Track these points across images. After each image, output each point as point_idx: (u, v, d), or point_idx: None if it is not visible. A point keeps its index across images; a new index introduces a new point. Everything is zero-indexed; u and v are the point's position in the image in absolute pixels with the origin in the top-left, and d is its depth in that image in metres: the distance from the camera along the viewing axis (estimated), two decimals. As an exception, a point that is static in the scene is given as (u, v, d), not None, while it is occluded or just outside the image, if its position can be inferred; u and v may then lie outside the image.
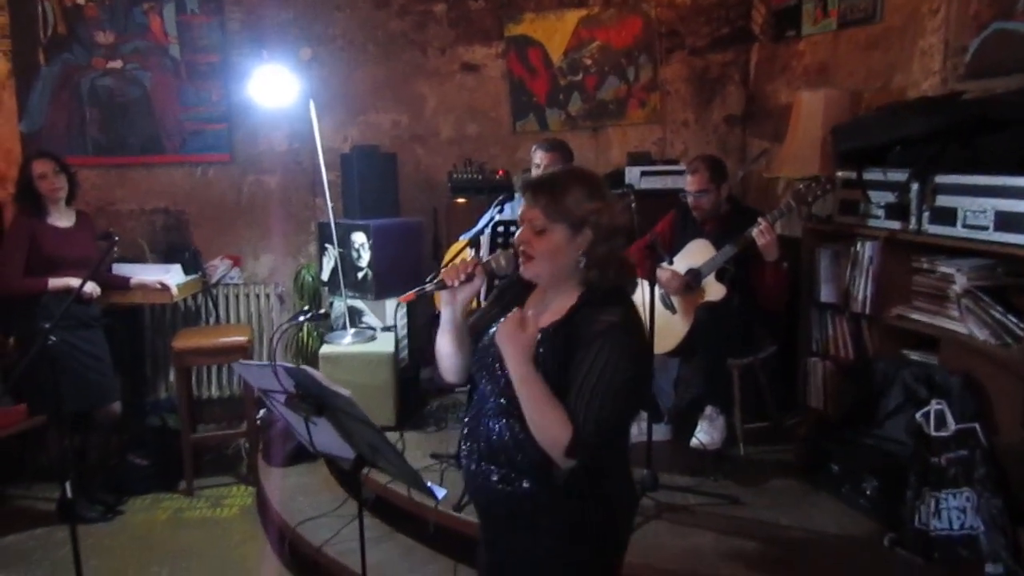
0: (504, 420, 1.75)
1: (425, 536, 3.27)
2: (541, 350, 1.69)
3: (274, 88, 4.11)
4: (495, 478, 1.75)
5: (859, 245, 3.36)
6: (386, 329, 4.31)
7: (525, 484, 1.71)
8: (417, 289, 1.83)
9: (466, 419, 1.90)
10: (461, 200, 4.58)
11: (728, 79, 5.07)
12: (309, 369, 1.75)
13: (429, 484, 1.80)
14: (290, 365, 1.77)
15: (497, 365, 1.73)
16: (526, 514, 1.73)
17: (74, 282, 3.56)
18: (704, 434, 3.40)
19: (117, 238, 2.95)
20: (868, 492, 2.96)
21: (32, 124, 4.79)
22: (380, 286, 4.24)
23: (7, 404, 3.84)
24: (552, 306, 1.78)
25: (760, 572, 2.64)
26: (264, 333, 4.90)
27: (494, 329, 1.78)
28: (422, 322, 4.53)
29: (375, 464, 1.87)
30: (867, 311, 3.34)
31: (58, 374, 2.92)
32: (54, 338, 2.68)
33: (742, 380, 3.54)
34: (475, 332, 1.90)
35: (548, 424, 1.63)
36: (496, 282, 1.99)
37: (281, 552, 3.60)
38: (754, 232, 3.19)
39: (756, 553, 2.74)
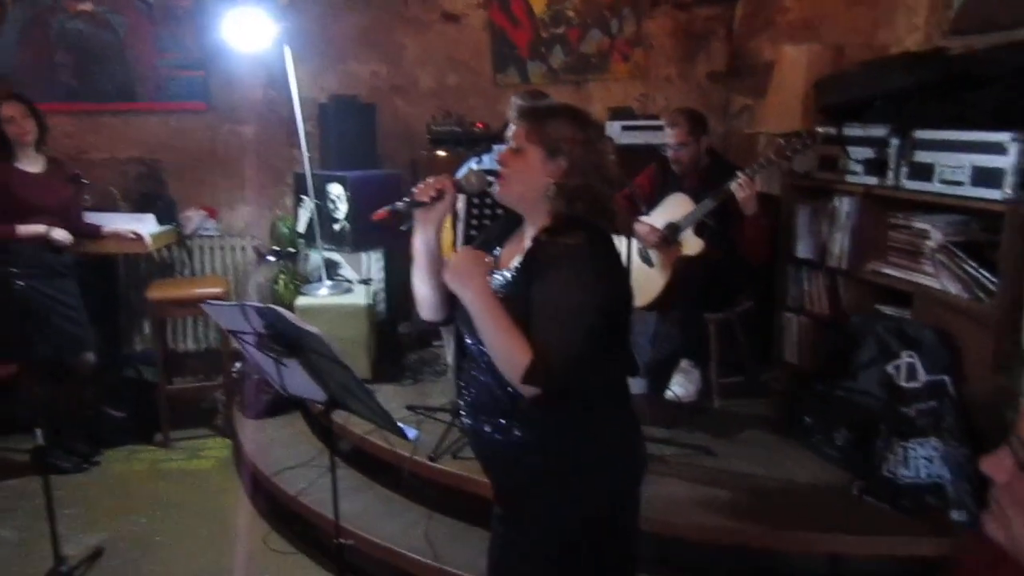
0: (490, 373, 1.73)
1: (401, 486, 3.30)
2: (516, 284, 1.68)
3: (249, 32, 4.00)
4: (488, 429, 1.74)
5: (837, 201, 3.37)
6: (363, 282, 4.28)
7: (517, 433, 1.70)
8: (389, 207, 1.77)
9: (461, 378, 1.89)
10: (441, 153, 4.52)
11: (712, 34, 5.02)
12: (279, 309, 1.73)
13: (401, 425, 1.79)
14: (260, 305, 1.74)
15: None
16: (522, 462, 1.72)
17: (43, 228, 3.49)
18: (679, 387, 3.44)
19: (86, 181, 2.88)
20: (839, 443, 3.00)
21: (1, 68, 4.65)
22: (357, 239, 4.20)
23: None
24: (521, 244, 1.77)
25: (732, 520, 2.69)
26: (240, 286, 4.85)
27: None
28: (404, 278, 4.50)
29: (346, 406, 1.86)
30: (843, 266, 3.36)
31: (28, 321, 2.88)
32: (21, 283, 2.64)
33: (718, 334, 3.56)
34: None
35: (507, 351, 1.60)
36: (467, 201, 1.95)
37: (257, 502, 3.62)
38: (733, 186, 3.18)
39: (729, 502, 2.79)
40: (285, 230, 4.66)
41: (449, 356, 3.61)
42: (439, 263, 1.82)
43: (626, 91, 5.05)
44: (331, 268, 4.30)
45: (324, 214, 4.20)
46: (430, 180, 1.81)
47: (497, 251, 1.86)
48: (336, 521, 2.15)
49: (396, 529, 3.04)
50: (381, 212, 1.79)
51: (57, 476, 2.98)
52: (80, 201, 3.25)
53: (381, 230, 4.17)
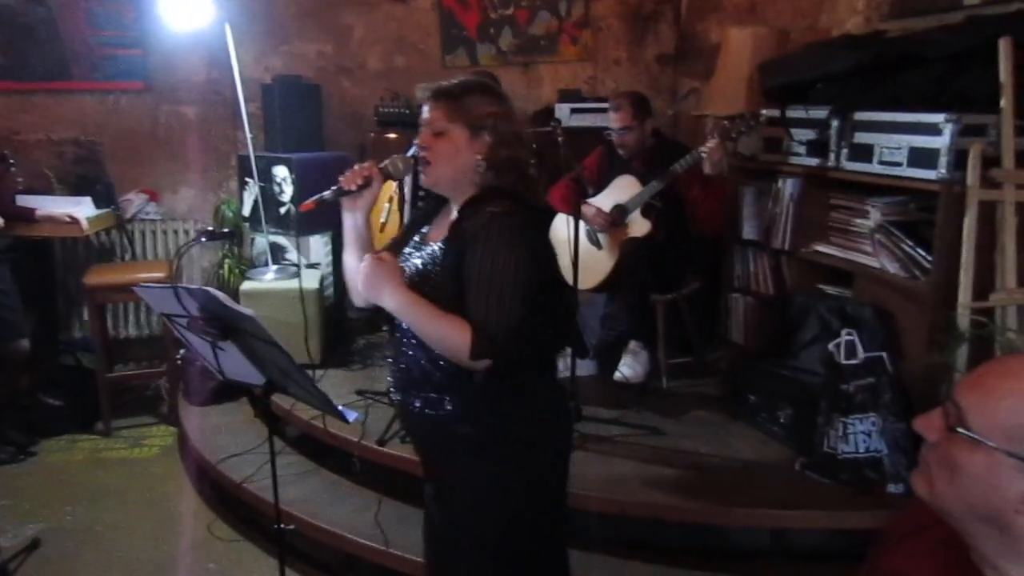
0: (419, 347, 1.74)
1: (350, 471, 3.27)
2: (442, 257, 1.69)
3: (188, 10, 3.88)
4: (418, 403, 1.75)
5: (780, 182, 3.42)
6: (311, 266, 4.21)
7: (448, 406, 1.71)
8: (316, 197, 1.77)
9: (390, 357, 1.88)
10: (390, 136, 4.46)
11: (661, 17, 5.04)
12: (212, 290, 1.68)
13: (340, 407, 1.77)
14: (193, 286, 1.70)
15: (408, 284, 1.71)
16: (455, 434, 1.73)
17: (-27, 213, 3.36)
18: (627, 368, 3.46)
19: (12, 161, 2.77)
20: (782, 420, 3.06)
21: (-77, 44, 4.44)
22: (303, 222, 4.13)
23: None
24: (449, 218, 1.77)
25: (677, 497, 2.72)
26: (183, 271, 4.74)
27: (406, 252, 1.79)
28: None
29: (286, 389, 1.83)
30: (787, 247, 3.42)
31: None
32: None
33: (666, 315, 3.59)
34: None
35: (444, 335, 1.62)
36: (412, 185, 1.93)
37: (202, 490, 3.55)
38: (705, 150, 3.16)
39: (674, 479, 2.82)
40: (230, 213, 4.56)
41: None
42: (370, 247, 1.82)
43: (575, 73, 5.04)
44: (277, 252, 4.22)
45: (269, 197, 4.12)
46: (356, 168, 1.81)
47: (425, 229, 1.86)
48: (276, 504, 2.12)
49: (344, 514, 3.01)
50: (309, 203, 1.80)
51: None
52: (10, 183, 3.13)
53: (328, 214, 4.13)
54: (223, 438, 3.66)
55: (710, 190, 3.30)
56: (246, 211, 4.31)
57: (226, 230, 3.49)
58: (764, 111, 3.38)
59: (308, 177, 4.06)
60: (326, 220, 4.16)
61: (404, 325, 1.77)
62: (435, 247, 1.73)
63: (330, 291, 4.29)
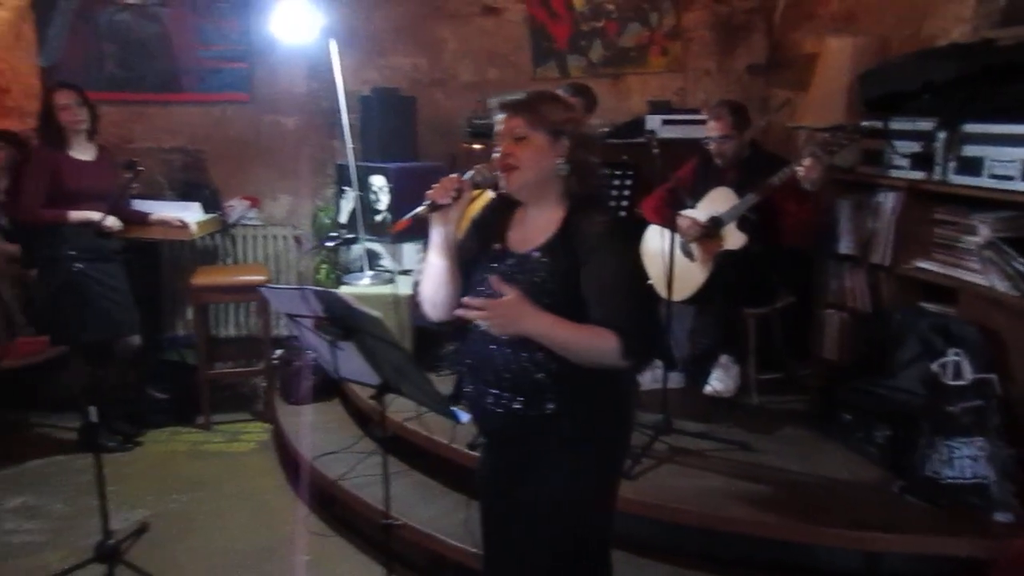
0: (518, 347, 1.76)
1: (438, 472, 3.34)
2: (546, 263, 1.74)
3: (296, 25, 4.06)
4: (518, 405, 1.78)
5: (881, 196, 3.33)
6: (403, 272, 4.32)
7: (550, 406, 1.76)
8: (410, 215, 1.82)
9: (468, 357, 1.91)
10: (477, 145, 4.54)
11: (752, 27, 4.98)
12: (339, 292, 1.76)
13: (453, 409, 1.82)
14: (319, 288, 1.79)
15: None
16: (550, 433, 1.78)
17: (94, 215, 3.59)
18: (718, 381, 3.43)
19: (141, 168, 2.95)
20: (879, 440, 2.97)
21: (50, 58, 4.76)
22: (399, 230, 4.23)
23: (29, 335, 3.91)
24: (536, 223, 1.82)
25: (770, 514, 2.68)
26: (281, 274, 4.93)
27: (487, 261, 1.84)
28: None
29: (399, 390, 1.89)
30: (886, 262, 3.33)
31: (82, 302, 2.96)
32: (80, 265, 2.71)
33: (758, 330, 3.54)
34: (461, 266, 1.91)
35: (591, 345, 1.68)
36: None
37: (297, 485, 3.68)
38: (801, 169, 3.10)
39: (766, 496, 2.78)
40: (327, 220, 4.72)
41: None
42: (457, 260, 1.87)
43: (664, 84, 5.03)
44: (372, 258, 4.35)
45: (366, 205, 4.25)
46: (445, 180, 1.85)
47: (497, 238, 1.89)
48: (387, 500, 2.20)
49: (433, 514, 3.08)
50: (403, 221, 1.85)
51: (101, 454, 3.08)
52: (130, 187, 3.33)
53: (423, 222, 4.24)
54: (316, 436, 3.78)
55: (806, 203, 3.24)
56: (343, 218, 4.46)
57: (348, 235, 3.61)
58: (865, 122, 3.30)
59: (404, 185, 4.18)
60: (420, 229, 4.27)
61: (480, 327, 1.79)
62: (533, 255, 1.78)
63: (420, 297, 4.38)
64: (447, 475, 3.30)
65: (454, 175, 1.85)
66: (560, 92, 3.51)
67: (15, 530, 3.31)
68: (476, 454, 3.08)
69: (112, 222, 3.65)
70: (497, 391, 1.82)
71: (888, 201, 3.29)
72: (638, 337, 1.68)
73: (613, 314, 1.67)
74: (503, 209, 1.90)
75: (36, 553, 3.14)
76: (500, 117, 1.80)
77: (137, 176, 2.85)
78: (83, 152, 3.77)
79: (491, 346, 1.81)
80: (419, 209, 1.83)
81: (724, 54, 5.00)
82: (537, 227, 1.81)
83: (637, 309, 1.72)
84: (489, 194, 3.22)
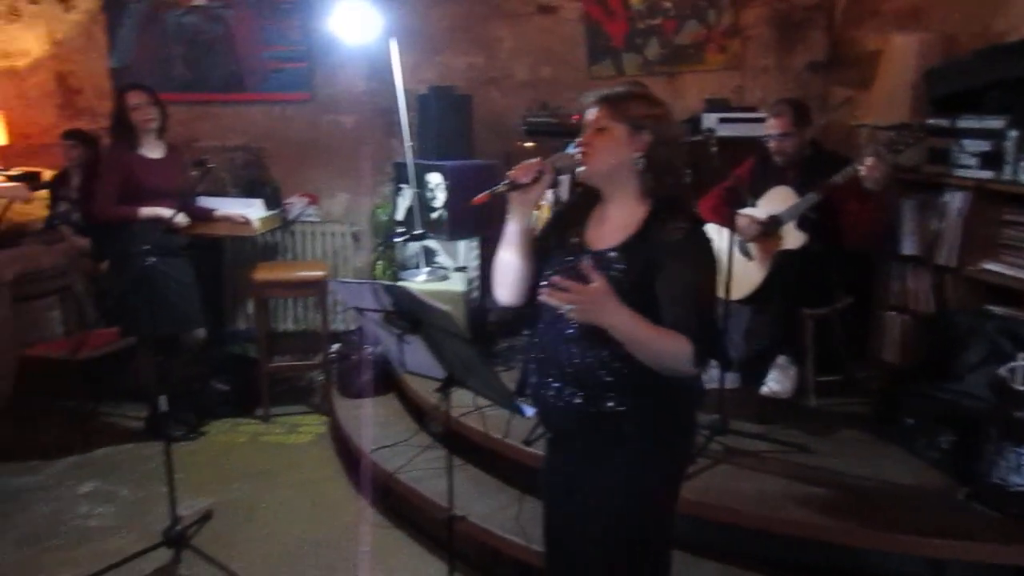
0: (584, 344, 1.78)
1: (492, 467, 3.37)
2: (621, 264, 1.74)
3: (356, 24, 4.14)
4: (579, 401, 1.80)
5: (948, 195, 3.26)
6: (458, 269, 4.37)
7: (610, 404, 1.77)
8: (489, 190, 1.83)
9: (536, 349, 1.92)
10: (528, 144, 4.57)
11: (812, 23, 4.89)
12: (407, 287, 1.80)
13: (519, 403, 1.84)
14: (388, 283, 1.83)
15: None
16: (610, 431, 1.79)
17: (164, 211, 3.71)
18: (775, 382, 3.40)
19: (212, 166, 3.04)
20: (943, 445, 2.91)
21: (120, 59, 4.94)
22: (454, 227, 4.29)
23: (100, 327, 4.06)
24: (615, 222, 1.82)
25: (830, 517, 2.64)
26: (338, 270, 5.02)
27: (562, 254, 1.85)
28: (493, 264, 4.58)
29: (465, 383, 1.93)
30: (951, 264, 3.26)
31: (152, 296, 3.06)
32: (152, 260, 2.82)
33: (816, 331, 3.50)
34: (537, 255, 1.93)
35: (665, 348, 1.67)
36: (570, 187, 2.01)
37: (353, 477, 3.75)
38: (863, 169, 3.05)
39: (826, 499, 2.74)
40: (384, 217, 4.80)
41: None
42: (530, 244, 1.89)
43: (721, 82, 4.98)
44: (428, 255, 4.41)
45: (422, 202, 4.31)
46: (527, 162, 1.87)
47: (575, 232, 1.90)
48: (450, 495, 2.25)
49: (489, 509, 3.11)
50: (482, 196, 1.86)
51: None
52: (197, 185, 3.45)
53: (478, 218, 4.27)
54: (374, 429, 3.85)
55: (868, 203, 3.19)
56: (400, 215, 4.53)
57: (419, 231, 3.68)
58: (931, 121, 3.23)
59: (460, 183, 4.22)
60: (475, 225, 4.32)
61: (560, 322, 1.80)
62: (609, 254, 1.78)
63: (476, 294, 4.43)
64: (502, 470, 3.33)
65: (538, 158, 1.89)
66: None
67: (88, 514, 3.44)
68: (531, 450, 3.13)
69: (181, 219, 3.77)
70: (560, 385, 1.83)
71: (955, 201, 3.23)
72: (707, 345, 1.68)
73: (687, 320, 1.67)
74: (585, 205, 1.91)
75: (108, 537, 3.27)
76: (590, 110, 1.83)
77: (207, 174, 2.94)
78: (153, 150, 3.90)
79: (559, 339, 1.83)
80: (499, 187, 1.85)
81: (783, 51, 4.93)
82: (616, 226, 1.82)
83: (707, 318, 1.73)
84: (548, 207, 3.27)
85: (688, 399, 1.89)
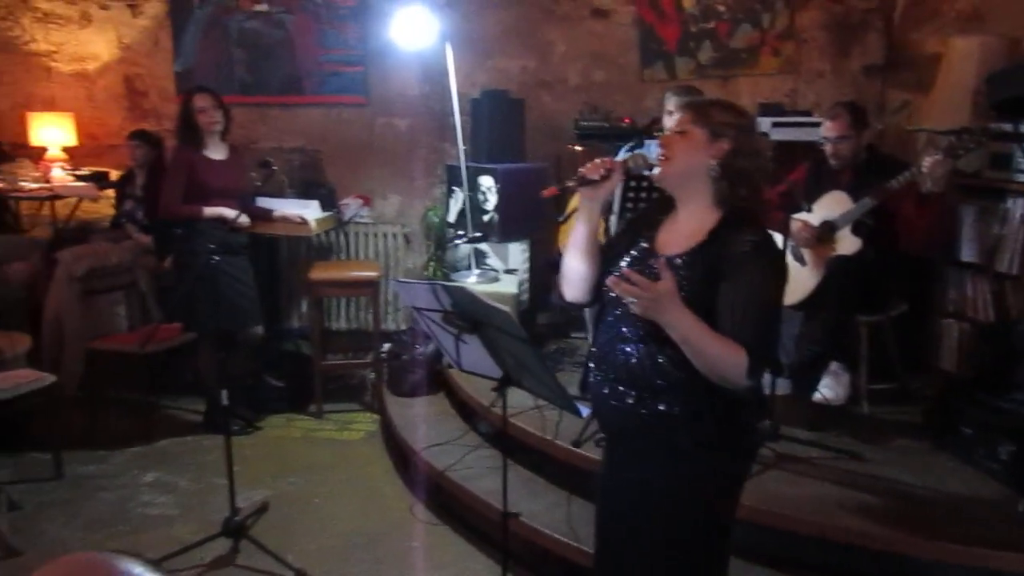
0: (640, 345, 1.80)
1: (541, 468, 3.40)
2: (686, 272, 1.74)
3: (413, 29, 4.22)
4: (631, 401, 1.81)
5: (1010, 202, 3.20)
6: (508, 271, 4.42)
7: (661, 407, 1.77)
8: (559, 184, 1.89)
9: (595, 347, 1.95)
10: (578, 148, 4.60)
11: (869, 26, 4.83)
12: (467, 287, 1.85)
13: (576, 403, 1.88)
14: (449, 283, 1.88)
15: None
16: (661, 434, 1.80)
17: (227, 211, 3.83)
18: (828, 389, 3.37)
19: (275, 167, 3.14)
20: (1002, 456, 2.86)
21: (184, 63, 5.11)
22: (505, 229, 4.34)
23: (162, 322, 4.21)
24: (685, 228, 1.83)
25: (884, 525, 2.62)
26: (390, 271, 5.11)
27: (631, 256, 1.87)
28: (542, 270, 4.63)
29: (520, 383, 1.97)
30: (1013, 271, 3.20)
31: (215, 292, 3.17)
32: (216, 258, 2.92)
33: (870, 338, 3.46)
34: (606, 257, 1.95)
35: (721, 356, 1.67)
36: (622, 192, 2.05)
37: (403, 474, 3.82)
38: (925, 165, 3.02)
39: (879, 507, 2.72)
40: (435, 219, 4.87)
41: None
42: (596, 243, 1.92)
43: (775, 86, 4.94)
44: (479, 257, 4.46)
45: (474, 205, 4.36)
46: (598, 160, 1.89)
47: (647, 237, 1.91)
48: (504, 494, 2.31)
49: (538, 509, 3.14)
50: (551, 189, 1.93)
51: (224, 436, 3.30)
52: (260, 185, 3.55)
53: (528, 221, 4.31)
54: (423, 428, 3.92)
55: (927, 208, 3.14)
56: (451, 217, 4.59)
57: (478, 234, 3.75)
58: (993, 125, 3.17)
59: (511, 186, 4.27)
60: (525, 228, 4.37)
61: (620, 320, 1.84)
62: (675, 260, 1.78)
63: (525, 296, 4.47)
64: (551, 471, 3.36)
65: (608, 157, 1.93)
66: (672, 95, 3.55)
67: (150, 503, 3.57)
68: (581, 451, 3.16)
69: (244, 219, 3.89)
70: (615, 384, 1.85)
71: (1017, 207, 3.17)
72: (763, 360, 1.68)
73: (745, 332, 1.67)
74: (661, 209, 1.93)
75: (169, 525, 3.38)
76: (674, 115, 1.87)
77: (271, 176, 3.04)
78: (216, 152, 4.03)
79: (615, 339, 1.85)
80: (569, 182, 1.90)
81: (839, 55, 4.88)
82: (685, 232, 1.82)
83: (767, 332, 1.72)
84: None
85: (745, 406, 1.85)
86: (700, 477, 1.82)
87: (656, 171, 1.85)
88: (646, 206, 2.01)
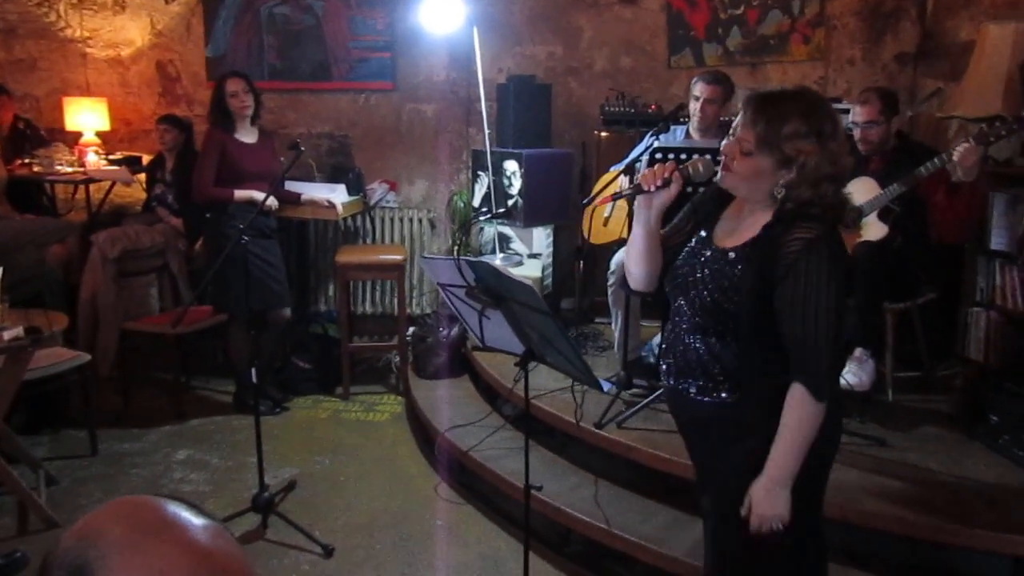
0: (700, 336, 1.81)
1: (563, 450, 3.44)
2: (739, 267, 1.72)
3: (441, 14, 4.24)
4: (693, 391, 1.83)
5: (1042, 189, 3.16)
6: (532, 256, 4.44)
7: (723, 395, 1.78)
8: (614, 194, 1.89)
9: (663, 339, 1.98)
10: (607, 134, 4.60)
11: (903, 13, 4.77)
12: (490, 262, 1.88)
13: (599, 379, 1.90)
14: (472, 259, 1.91)
15: (691, 280, 1.79)
16: (725, 423, 1.80)
17: (257, 194, 3.89)
18: (852, 375, 3.34)
19: (303, 149, 3.19)
20: (1029, 444, 2.85)
21: (216, 49, 5.18)
22: (529, 214, 4.36)
23: (193, 304, 4.28)
24: (743, 222, 1.80)
25: (909, 511, 2.62)
26: (416, 255, 5.16)
27: (691, 246, 1.86)
28: (565, 255, 4.65)
29: (544, 358, 1.99)
30: (1044, 260, 3.16)
31: (246, 275, 3.23)
32: (246, 239, 2.97)
33: (896, 325, 3.44)
34: (667, 246, 1.93)
35: (803, 429, 1.68)
36: (690, 190, 1.98)
37: (429, 455, 3.87)
38: (957, 152, 2.97)
39: (904, 493, 2.72)
40: (461, 204, 4.90)
41: (616, 332, 3.69)
42: (657, 242, 1.89)
43: (804, 74, 4.90)
44: (503, 241, 4.49)
45: (499, 189, 4.39)
46: (657, 167, 1.84)
47: (707, 228, 1.89)
48: (526, 468, 2.34)
49: (560, 489, 3.18)
50: (605, 198, 2.02)
51: (253, 416, 3.37)
52: (288, 167, 3.60)
53: (553, 206, 4.31)
54: (447, 410, 3.97)
55: (958, 196, 3.12)
56: (476, 202, 4.62)
57: (500, 210, 3.77)
58: (1027, 113, 3.13)
59: (536, 171, 4.29)
60: (550, 213, 4.38)
61: (683, 311, 1.85)
62: (729, 254, 1.76)
63: (549, 280, 4.49)
64: (574, 453, 3.39)
65: (670, 163, 1.84)
66: (699, 80, 3.53)
67: (183, 479, 3.66)
68: (604, 434, 3.19)
69: (271, 201, 3.95)
70: (679, 375, 1.86)
71: (1049, 195, 3.12)
72: (824, 374, 1.64)
73: (798, 336, 1.64)
74: (723, 197, 1.87)
75: (200, 501, 3.41)
76: (741, 115, 1.74)
77: (299, 157, 3.08)
78: (247, 135, 4.09)
79: (678, 329, 1.87)
80: (624, 192, 1.90)
81: (870, 42, 4.82)
82: (743, 226, 1.79)
83: (827, 336, 1.63)
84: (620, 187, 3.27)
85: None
86: (758, 466, 1.76)
87: (718, 177, 1.80)
88: (707, 192, 1.94)
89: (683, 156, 3.04)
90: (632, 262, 1.94)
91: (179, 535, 0.73)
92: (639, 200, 1.85)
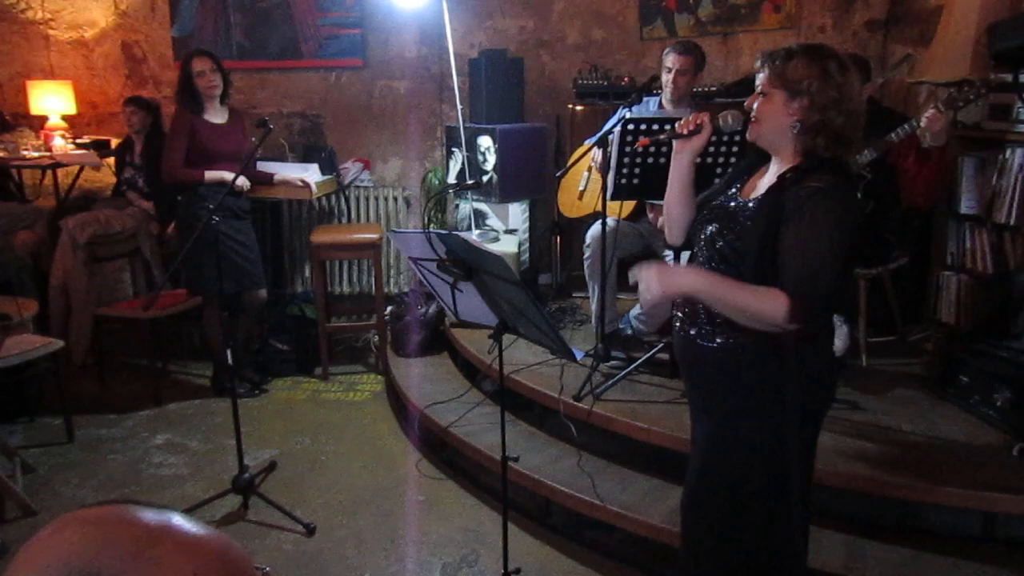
0: None
1: (542, 423, 3.46)
2: (754, 212, 1.81)
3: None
4: (693, 332, 1.91)
5: (1008, 152, 3.20)
6: (508, 232, 4.43)
7: (719, 340, 1.86)
8: (652, 136, 2.06)
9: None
10: (581, 107, 4.59)
11: (872, -20, 4.78)
12: (460, 233, 1.87)
13: (570, 347, 1.91)
14: (442, 231, 1.91)
15: (712, 229, 1.89)
16: (725, 367, 1.87)
17: (228, 175, 3.84)
18: (826, 341, 3.39)
19: (272, 126, 3.15)
20: (999, 403, 2.90)
21: (183, 29, 5.09)
22: (504, 189, 4.35)
23: (167, 288, 4.24)
24: (769, 176, 1.90)
25: (880, 471, 2.66)
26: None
27: (720, 200, 1.96)
28: (542, 230, 4.64)
29: (516, 329, 2.00)
30: (1012, 222, 3.20)
31: (219, 255, 3.20)
32: (216, 219, 2.94)
33: (869, 291, 3.48)
34: (701, 204, 2.05)
35: (758, 308, 1.72)
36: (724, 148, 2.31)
37: (409, 431, 3.88)
38: (925, 118, 3.01)
39: (876, 454, 2.76)
40: (436, 181, 4.88)
41: (593, 305, 3.70)
42: (691, 189, 2.04)
43: (776, 42, 4.85)
44: (479, 218, 4.48)
45: (473, 165, 4.37)
46: (692, 115, 2.01)
47: (740, 183, 1.99)
48: (503, 437, 2.35)
49: (540, 462, 3.19)
50: (643, 140, 2.16)
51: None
52: (258, 146, 3.55)
53: (528, 181, 4.32)
54: (427, 387, 3.97)
55: (927, 162, 3.14)
56: (451, 178, 4.60)
57: (471, 181, 3.75)
58: (994, 76, 3.15)
59: (510, 146, 4.27)
60: (525, 188, 4.37)
61: (697, 260, 1.94)
62: (748, 203, 1.86)
63: (526, 256, 4.49)
64: (552, 426, 3.41)
65: (705, 112, 2.02)
66: (671, 51, 3.51)
67: (162, 463, 3.64)
68: (583, 406, 3.21)
69: (242, 181, 3.89)
70: (682, 317, 1.97)
71: (1017, 157, 3.17)
72: (811, 302, 1.68)
73: (792, 278, 1.69)
74: (761, 159, 1.98)
75: (180, 484, 3.45)
76: (760, 73, 1.87)
77: (268, 134, 3.04)
78: (217, 116, 4.03)
79: None
80: (662, 135, 2.08)
81: (840, 10, 4.83)
82: (766, 180, 1.89)
83: (821, 275, 1.68)
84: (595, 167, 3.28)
85: (806, 347, 1.81)
86: (757, 418, 1.86)
87: (748, 132, 1.90)
88: (749, 157, 2.05)
89: (655, 126, 3.05)
90: (672, 207, 2.06)
91: (177, 536, 0.69)
92: (676, 144, 2.04)
